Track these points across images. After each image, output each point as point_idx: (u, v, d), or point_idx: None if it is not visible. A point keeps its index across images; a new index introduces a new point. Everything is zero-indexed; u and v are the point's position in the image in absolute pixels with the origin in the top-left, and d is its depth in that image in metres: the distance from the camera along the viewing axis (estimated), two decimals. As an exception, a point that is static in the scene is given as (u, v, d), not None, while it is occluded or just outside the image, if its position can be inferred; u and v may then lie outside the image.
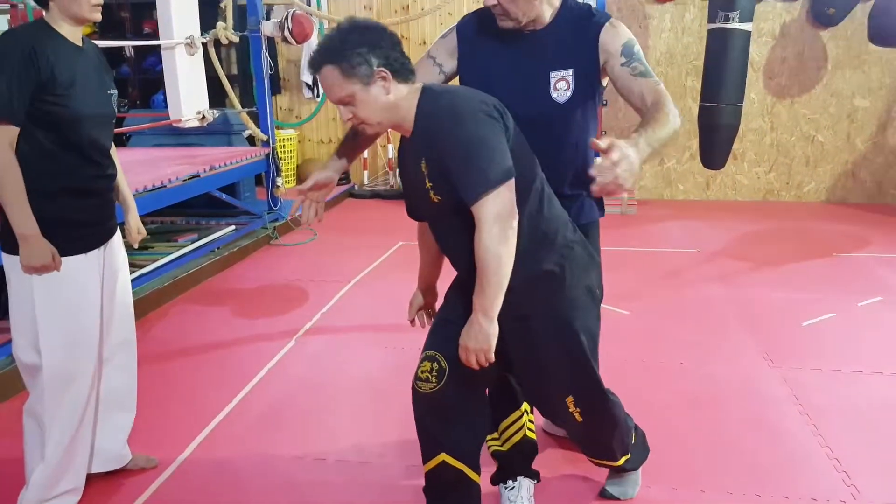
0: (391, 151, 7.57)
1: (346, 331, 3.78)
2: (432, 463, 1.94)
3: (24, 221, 1.95)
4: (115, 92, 2.21)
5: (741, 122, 6.10)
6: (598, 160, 1.67)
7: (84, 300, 2.11)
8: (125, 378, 2.38)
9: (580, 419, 1.97)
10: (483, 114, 1.68)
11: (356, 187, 7.61)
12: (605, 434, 2.07)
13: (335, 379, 3.21)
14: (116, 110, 2.25)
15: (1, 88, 1.89)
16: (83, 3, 2.00)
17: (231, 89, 5.63)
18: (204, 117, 5.12)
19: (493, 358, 1.74)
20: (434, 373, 1.87)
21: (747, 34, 5.88)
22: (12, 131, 1.93)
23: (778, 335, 3.62)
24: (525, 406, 2.23)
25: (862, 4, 6.42)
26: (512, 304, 1.73)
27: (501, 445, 2.24)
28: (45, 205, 2.00)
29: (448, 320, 1.93)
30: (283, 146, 7.17)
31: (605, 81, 2.09)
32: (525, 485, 2.20)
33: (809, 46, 6.82)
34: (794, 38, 6.83)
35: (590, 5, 2.15)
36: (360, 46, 1.68)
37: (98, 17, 2.08)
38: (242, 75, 6.95)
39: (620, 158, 1.56)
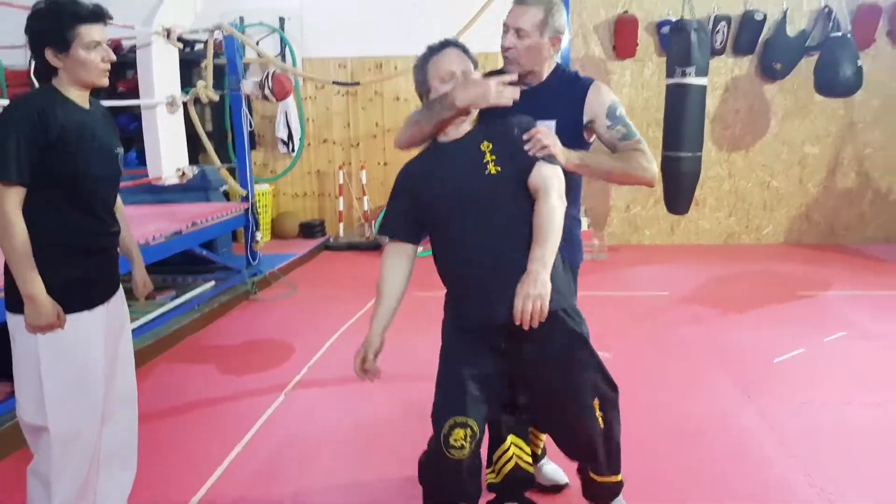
0: (366, 204, 7.71)
1: (335, 383, 3.83)
2: None
3: (29, 281, 1.98)
4: (121, 150, 2.26)
5: (701, 170, 6.41)
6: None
7: (89, 357, 2.13)
8: (127, 436, 2.39)
9: (602, 425, 2.09)
10: None
11: (331, 239, 7.71)
12: (616, 434, 2.18)
13: (328, 431, 3.25)
14: (121, 169, 2.31)
15: (9, 150, 1.95)
16: (92, 70, 2.08)
17: (210, 146, 5.72)
18: (184, 174, 5.19)
19: (546, 308, 1.82)
20: (468, 439, 1.95)
21: (703, 88, 6.22)
22: (20, 193, 1.98)
23: (752, 371, 3.80)
24: (512, 438, 2.35)
25: (806, 59, 6.85)
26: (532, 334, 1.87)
27: (496, 477, 2.37)
28: (51, 263, 2.03)
29: (466, 379, 1.99)
30: (259, 200, 7.25)
31: (591, 138, 2.30)
32: None
33: (759, 98, 7.23)
34: (745, 91, 7.23)
35: (577, 71, 2.39)
36: None
37: (106, 82, 2.15)
38: (217, 132, 7.05)
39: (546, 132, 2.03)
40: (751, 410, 3.31)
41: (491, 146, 2.02)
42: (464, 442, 1.95)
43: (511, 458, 2.34)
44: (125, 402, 2.37)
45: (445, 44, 2.09)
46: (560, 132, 2.18)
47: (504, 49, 2.23)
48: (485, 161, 2.00)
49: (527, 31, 2.18)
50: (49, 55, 2.04)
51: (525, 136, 2.02)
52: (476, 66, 2.08)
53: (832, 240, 7.34)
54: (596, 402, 2.08)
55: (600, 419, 2.10)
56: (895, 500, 2.54)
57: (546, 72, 2.28)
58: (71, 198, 2.07)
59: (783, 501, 2.56)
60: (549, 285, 1.84)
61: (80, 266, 2.12)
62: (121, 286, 2.34)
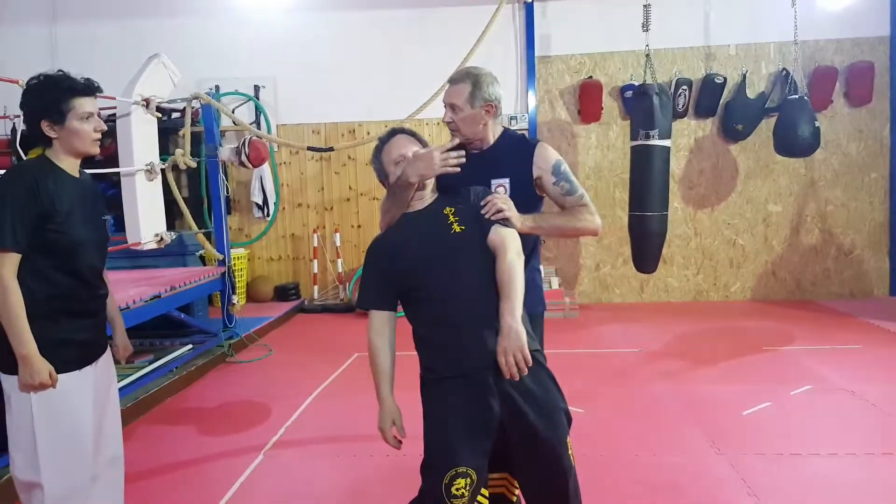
0: (340, 266, 7.79)
1: (313, 442, 3.85)
2: None
3: (24, 342, 2.07)
4: (109, 217, 2.39)
5: (668, 229, 6.61)
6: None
7: (80, 415, 2.20)
8: (114, 496, 2.43)
9: (573, 462, 2.15)
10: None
11: (306, 302, 7.75)
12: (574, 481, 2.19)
13: (308, 489, 3.26)
14: (109, 235, 2.41)
15: (6, 220, 2.06)
16: (85, 140, 2.21)
17: (187, 211, 5.80)
18: (162, 239, 5.25)
19: (528, 355, 1.95)
20: (468, 488, 2.04)
21: (667, 149, 6.47)
22: (15, 259, 2.09)
23: (721, 425, 3.88)
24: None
25: (766, 120, 7.17)
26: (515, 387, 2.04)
27: None
28: (43, 325, 2.13)
29: (457, 429, 2.07)
30: (235, 264, 7.30)
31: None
32: None
33: (722, 158, 7.52)
34: (708, 152, 7.53)
35: (524, 134, 2.58)
36: None
37: (97, 150, 2.29)
38: (193, 197, 7.14)
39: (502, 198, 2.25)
40: (722, 463, 3.38)
41: (453, 210, 2.21)
42: (465, 490, 2.04)
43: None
44: (113, 461, 2.41)
45: (393, 132, 2.34)
46: (515, 188, 2.43)
47: (446, 124, 2.46)
48: (449, 222, 2.19)
49: (459, 106, 2.40)
50: (45, 127, 2.16)
51: (482, 203, 2.21)
52: (425, 146, 2.29)
53: (798, 295, 7.54)
54: (569, 440, 2.16)
55: (572, 457, 2.17)
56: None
57: (492, 136, 2.49)
58: (62, 263, 2.17)
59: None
60: (523, 334, 1.98)
61: (71, 328, 2.21)
62: (109, 348, 2.41)
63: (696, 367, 5.03)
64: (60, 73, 2.20)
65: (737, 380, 4.69)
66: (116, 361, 2.51)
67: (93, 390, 2.28)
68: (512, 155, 2.48)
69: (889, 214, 7.40)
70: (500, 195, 2.28)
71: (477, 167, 2.38)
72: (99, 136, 2.26)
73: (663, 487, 3.14)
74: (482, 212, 2.19)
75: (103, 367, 2.37)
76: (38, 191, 2.11)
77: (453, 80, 2.45)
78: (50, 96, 2.15)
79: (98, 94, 2.26)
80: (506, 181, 2.44)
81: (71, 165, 2.25)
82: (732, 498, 3.03)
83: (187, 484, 3.39)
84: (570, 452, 2.15)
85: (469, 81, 2.40)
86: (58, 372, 2.14)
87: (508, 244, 2.14)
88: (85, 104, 2.18)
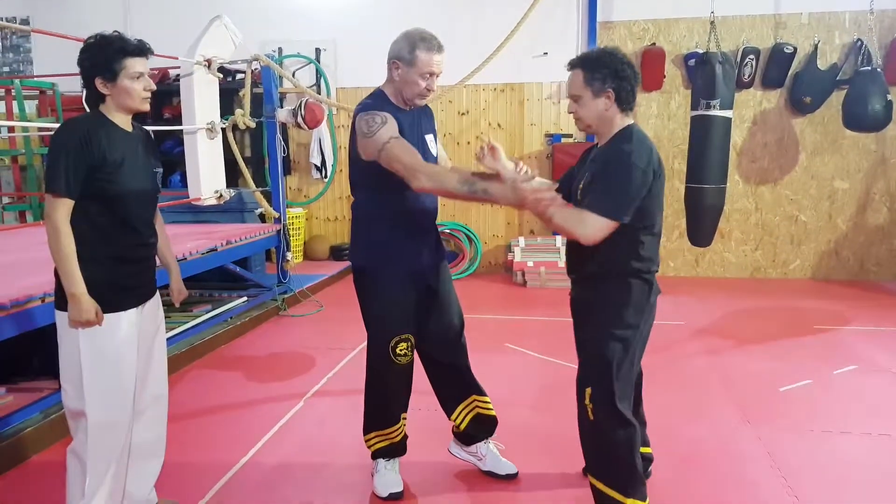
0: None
1: (352, 394, 4.01)
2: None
3: (73, 282, 2.24)
4: (160, 170, 2.54)
5: (726, 203, 6.47)
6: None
7: (123, 354, 2.37)
8: (157, 429, 2.63)
9: (592, 418, 2.35)
10: (640, 170, 2.28)
11: (361, 263, 7.94)
12: (612, 451, 2.36)
13: (342, 437, 3.44)
14: (160, 186, 2.57)
15: (60, 168, 2.22)
16: (135, 97, 2.35)
17: (246, 170, 6.02)
18: (221, 196, 5.50)
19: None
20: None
21: (728, 120, 6.31)
22: (68, 204, 2.25)
23: (756, 400, 3.86)
24: (475, 396, 2.95)
25: (837, 93, 6.90)
26: (582, 288, 2.49)
27: (459, 424, 2.95)
28: (92, 268, 2.29)
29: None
30: (293, 223, 7.57)
31: None
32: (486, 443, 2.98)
33: (788, 131, 7.28)
34: (774, 125, 7.30)
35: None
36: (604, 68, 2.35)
37: (147, 107, 2.43)
38: (255, 157, 7.39)
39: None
40: (751, 436, 3.39)
41: (588, 174, 2.46)
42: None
43: (473, 408, 2.94)
44: (157, 398, 2.61)
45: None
46: (435, 141, 2.84)
47: (430, 92, 2.66)
48: (580, 184, 2.50)
49: (440, 73, 2.66)
50: (98, 84, 2.31)
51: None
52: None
53: (862, 276, 7.30)
54: (588, 391, 2.38)
55: (589, 410, 2.37)
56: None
57: None
58: (112, 211, 2.33)
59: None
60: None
61: (118, 272, 2.37)
62: (157, 293, 2.58)
63: (741, 344, 4.97)
64: (115, 33, 2.34)
65: (780, 357, 4.63)
66: (170, 305, 2.69)
67: (138, 331, 2.44)
68: (423, 114, 2.84)
69: (964, 195, 7.06)
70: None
71: (416, 126, 2.75)
72: (149, 94, 2.39)
73: (691, 458, 3.18)
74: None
75: (151, 311, 2.53)
76: (91, 142, 2.25)
77: (442, 48, 2.66)
78: (103, 56, 2.29)
79: (150, 55, 2.40)
80: (433, 136, 2.84)
81: (123, 120, 2.39)
82: (755, 469, 3.05)
83: (230, 424, 3.62)
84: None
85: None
86: (104, 312, 2.31)
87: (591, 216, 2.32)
88: (136, 64, 2.31)
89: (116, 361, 2.35)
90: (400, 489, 2.83)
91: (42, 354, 3.77)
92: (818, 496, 2.81)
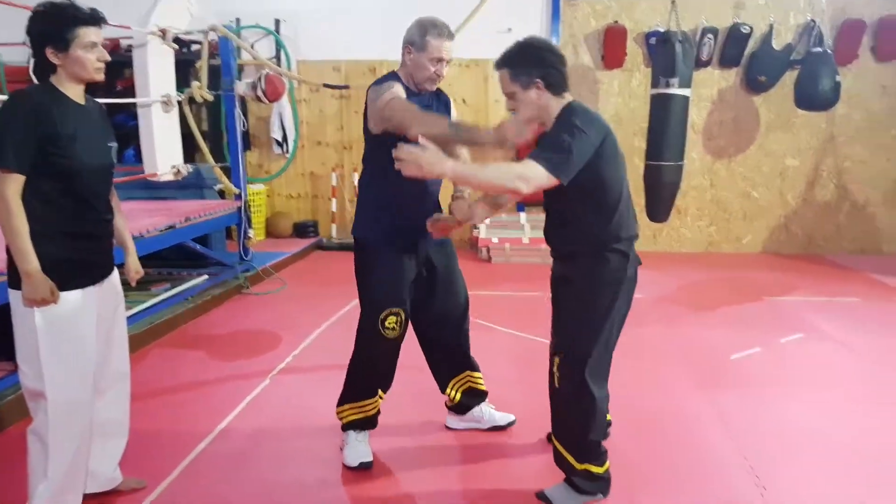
0: (356, 205, 7.89)
1: (318, 370, 4.04)
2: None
3: (26, 260, 2.18)
4: (115, 144, 2.46)
5: (683, 180, 6.61)
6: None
7: (81, 332, 2.33)
8: (120, 407, 2.61)
9: (557, 385, 2.46)
10: (581, 132, 2.28)
11: (324, 240, 7.91)
12: (570, 418, 2.49)
13: (309, 412, 3.45)
14: (115, 161, 2.50)
15: (7, 142, 2.14)
16: (88, 67, 2.27)
17: (204, 145, 5.92)
18: (178, 171, 5.39)
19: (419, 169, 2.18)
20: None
21: (686, 99, 6.42)
22: (19, 179, 2.17)
23: (709, 367, 4.01)
24: (468, 372, 3.09)
25: (790, 72, 7.06)
26: (562, 264, 2.52)
27: (453, 397, 3.09)
28: (46, 245, 2.22)
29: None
30: (253, 200, 7.46)
31: None
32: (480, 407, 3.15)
33: (744, 110, 7.44)
34: (730, 103, 7.44)
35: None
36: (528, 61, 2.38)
37: (101, 77, 2.34)
38: (213, 132, 7.26)
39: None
40: (703, 400, 3.52)
41: None
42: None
43: (466, 381, 3.10)
44: (119, 376, 2.58)
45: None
46: None
47: (439, 78, 2.75)
48: None
49: (449, 60, 2.75)
50: (49, 54, 2.22)
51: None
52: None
53: (810, 250, 7.55)
54: (557, 361, 2.48)
55: (556, 378, 2.49)
56: (823, 488, 2.73)
57: None
58: (65, 187, 2.25)
59: (720, 488, 2.74)
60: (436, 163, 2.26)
61: (73, 248, 2.30)
62: (115, 271, 2.53)
63: (695, 314, 5.13)
64: (67, 1, 2.26)
65: (731, 326, 4.80)
66: (127, 283, 2.65)
67: (95, 310, 2.39)
68: (439, 99, 2.90)
69: (907, 172, 7.32)
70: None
71: (425, 109, 2.72)
72: (103, 65, 2.31)
73: (647, 423, 3.29)
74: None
75: (109, 289, 2.48)
76: (41, 115, 2.17)
77: (452, 35, 2.75)
78: (55, 24, 2.21)
79: (104, 24, 2.32)
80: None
81: (75, 92, 2.30)
82: (708, 433, 3.17)
83: (196, 402, 3.61)
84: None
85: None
86: (60, 290, 2.24)
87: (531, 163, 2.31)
88: (89, 33, 2.23)
89: (74, 340, 2.31)
90: (370, 459, 2.90)
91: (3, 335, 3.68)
92: (767, 456, 2.95)
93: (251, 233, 6.03)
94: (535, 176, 2.20)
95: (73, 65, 2.24)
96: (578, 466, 2.52)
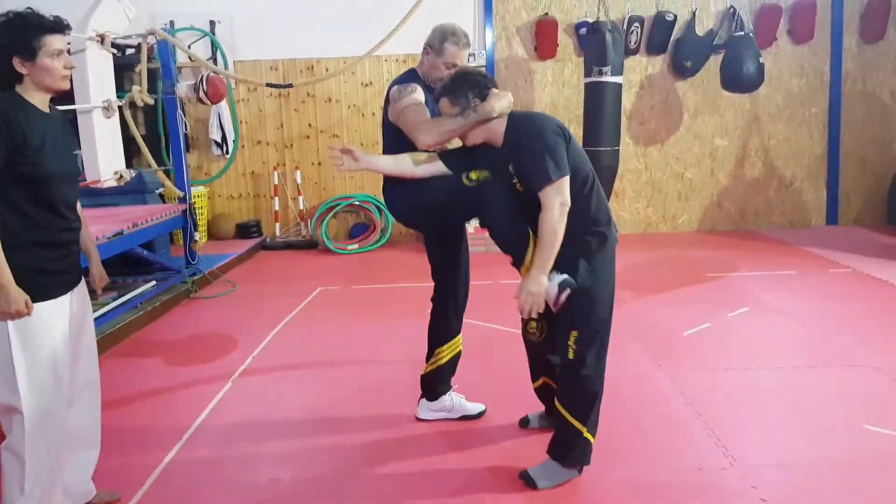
0: (302, 203, 7.87)
1: (279, 370, 4.04)
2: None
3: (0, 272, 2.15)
4: (79, 152, 2.45)
5: (619, 164, 6.83)
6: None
7: (55, 343, 2.30)
8: (90, 417, 2.57)
9: (573, 357, 2.59)
10: (552, 132, 2.45)
11: (268, 239, 7.85)
12: (587, 387, 2.64)
13: (277, 411, 3.46)
14: (80, 169, 2.49)
15: None
16: (55, 74, 2.25)
17: (146, 149, 5.80)
18: (121, 177, 5.28)
19: (542, 306, 2.43)
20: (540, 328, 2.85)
21: (619, 86, 6.65)
22: None
23: (663, 343, 4.19)
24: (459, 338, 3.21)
25: (714, 56, 7.37)
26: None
27: (435, 364, 3.19)
28: (19, 256, 2.19)
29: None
30: (195, 202, 7.32)
31: None
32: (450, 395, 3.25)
33: (672, 94, 7.73)
34: (659, 88, 7.72)
35: None
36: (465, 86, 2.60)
37: (67, 86, 2.33)
38: (151, 135, 7.10)
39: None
40: (662, 376, 3.68)
41: (514, 169, 2.54)
42: (535, 329, 2.87)
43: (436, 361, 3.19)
44: (89, 384, 2.54)
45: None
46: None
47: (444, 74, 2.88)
48: (514, 181, 2.56)
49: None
50: (16, 63, 2.19)
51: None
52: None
53: (742, 226, 7.91)
54: (574, 335, 2.61)
55: (570, 351, 2.62)
56: (787, 452, 2.91)
57: None
58: (34, 196, 2.23)
59: (689, 455, 2.90)
60: (543, 286, 2.43)
61: (45, 258, 2.28)
62: (83, 279, 2.51)
63: (643, 294, 5.32)
64: (29, 10, 2.23)
65: (680, 304, 5.01)
66: (93, 291, 2.62)
67: (68, 318, 2.37)
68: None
69: (827, 147, 7.74)
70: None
71: (433, 104, 2.87)
72: (69, 72, 2.30)
73: (610, 401, 3.36)
74: None
75: (78, 297, 2.45)
76: (9, 124, 2.14)
77: (468, 44, 2.95)
78: (21, 33, 2.19)
79: (69, 31, 2.30)
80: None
81: (41, 101, 2.29)
82: (670, 406, 3.33)
83: (160, 409, 3.56)
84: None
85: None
86: (33, 301, 2.21)
87: (548, 198, 2.42)
88: (55, 41, 2.21)
89: (49, 351, 2.28)
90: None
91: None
92: (728, 426, 3.11)
93: (197, 236, 5.94)
94: (563, 197, 2.41)
95: (40, 73, 2.22)
96: (586, 434, 2.64)
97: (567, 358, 2.62)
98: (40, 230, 2.27)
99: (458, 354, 3.23)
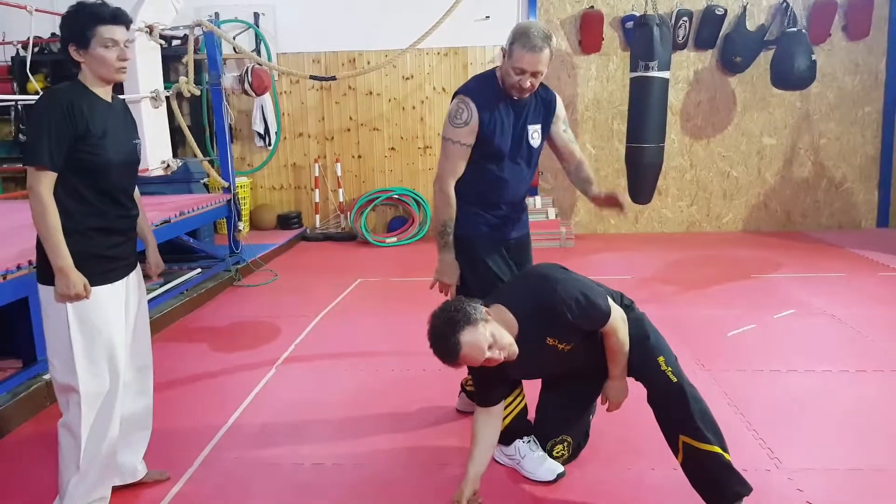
0: (342, 196, 7.92)
1: (322, 358, 4.08)
2: None
3: (60, 255, 2.21)
4: (139, 141, 2.50)
5: (664, 161, 6.73)
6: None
7: (111, 326, 2.37)
8: (144, 400, 2.65)
9: (675, 379, 2.39)
10: (563, 280, 2.37)
11: (308, 231, 7.92)
12: (700, 403, 2.38)
13: (318, 398, 3.50)
14: (139, 158, 2.54)
15: (42, 140, 2.18)
16: (109, 66, 2.30)
17: (192, 139, 5.89)
18: (168, 166, 5.38)
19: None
20: (567, 449, 2.72)
21: (666, 81, 6.54)
22: (51, 177, 2.22)
23: (707, 345, 4.11)
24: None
25: (765, 52, 7.21)
26: None
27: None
28: (78, 241, 2.27)
29: (551, 407, 2.75)
30: (238, 193, 7.43)
31: None
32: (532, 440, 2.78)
33: (720, 91, 7.58)
34: (707, 84, 7.58)
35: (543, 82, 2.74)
36: None
37: (122, 77, 2.39)
38: (195, 126, 7.20)
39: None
40: (705, 377, 3.62)
41: (555, 340, 2.39)
42: (564, 451, 2.75)
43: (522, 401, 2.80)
44: (143, 368, 2.62)
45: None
46: (542, 133, 2.79)
47: (524, 90, 2.59)
48: (558, 348, 2.41)
49: (542, 71, 2.57)
50: (72, 51, 2.27)
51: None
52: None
53: (789, 227, 7.73)
54: (661, 359, 2.52)
55: (669, 374, 2.47)
56: (831, 454, 2.84)
57: None
58: (94, 183, 2.30)
59: (732, 456, 2.83)
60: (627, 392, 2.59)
61: (103, 244, 2.35)
62: (139, 265, 2.57)
63: (685, 293, 5.24)
64: (94, 0, 2.29)
65: (723, 304, 4.91)
66: (148, 278, 2.68)
67: (124, 303, 2.44)
68: (541, 103, 2.76)
69: (881, 147, 7.52)
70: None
71: (517, 114, 2.70)
72: (124, 64, 2.34)
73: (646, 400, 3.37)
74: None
75: (134, 282, 2.52)
76: (73, 113, 2.21)
77: (540, 48, 2.50)
78: (78, 22, 2.25)
79: (129, 24, 2.35)
80: (539, 127, 2.77)
81: (102, 91, 2.34)
82: (714, 408, 3.18)
83: (207, 393, 3.63)
84: None
85: (549, 44, 2.54)
86: (92, 285, 2.29)
87: (612, 324, 2.38)
88: (109, 32, 2.26)
89: (105, 333, 2.34)
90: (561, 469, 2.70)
91: (1, 334, 3.67)
92: (773, 429, 3.05)
93: (241, 225, 6.02)
94: (618, 312, 2.44)
95: (94, 62, 2.28)
96: (727, 456, 2.34)
97: (671, 383, 2.39)
98: (99, 217, 2.34)
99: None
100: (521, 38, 2.51)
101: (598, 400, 2.72)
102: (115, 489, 2.56)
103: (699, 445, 2.32)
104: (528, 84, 2.56)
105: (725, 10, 7.26)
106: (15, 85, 7.07)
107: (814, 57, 6.61)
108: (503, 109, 2.66)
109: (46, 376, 3.39)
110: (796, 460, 2.78)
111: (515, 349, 2.28)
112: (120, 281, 2.42)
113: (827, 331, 4.34)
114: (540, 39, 2.49)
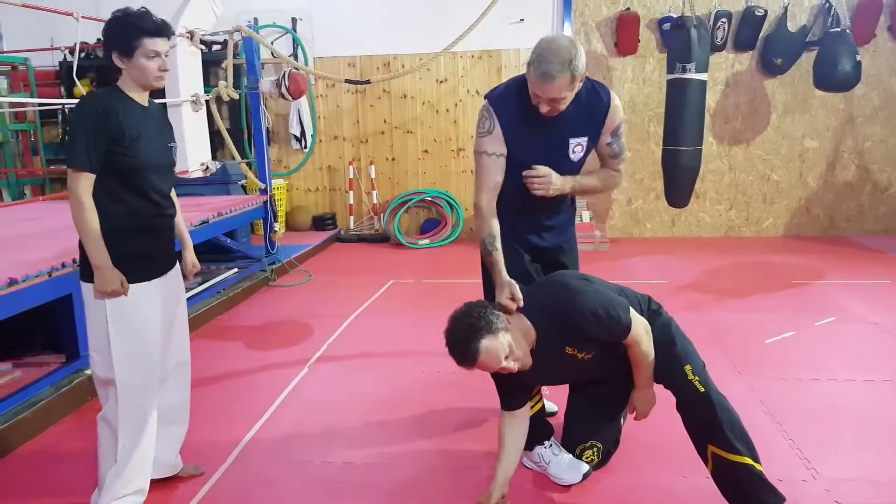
0: (375, 198, 7.97)
1: (353, 358, 4.11)
2: None
3: (98, 253, 2.29)
4: (175, 144, 2.57)
5: (701, 164, 6.63)
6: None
7: (148, 322, 2.43)
8: (181, 395, 2.71)
9: (703, 389, 2.35)
10: (585, 292, 2.34)
11: (342, 232, 7.99)
12: (730, 412, 2.33)
13: (349, 398, 3.54)
14: (174, 160, 2.60)
15: (80, 143, 2.26)
16: (149, 75, 2.38)
17: (231, 142, 5.99)
18: (207, 168, 5.48)
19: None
20: (597, 455, 2.70)
21: (703, 83, 6.44)
22: (90, 178, 2.30)
23: (744, 351, 4.04)
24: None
25: (806, 54, 7.07)
26: None
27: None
28: (115, 240, 2.34)
29: (580, 411, 2.75)
30: (274, 194, 7.54)
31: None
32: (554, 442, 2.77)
33: (760, 93, 7.44)
34: (746, 86, 7.45)
35: (594, 83, 2.53)
36: None
37: (161, 84, 2.48)
38: (235, 129, 7.33)
39: (546, 173, 2.44)
40: (742, 384, 3.56)
41: (574, 349, 2.36)
42: (593, 457, 2.73)
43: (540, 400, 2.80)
44: (180, 364, 2.69)
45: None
46: (588, 146, 2.57)
47: (545, 114, 2.39)
48: (578, 357, 2.37)
49: (560, 98, 2.33)
50: (115, 58, 2.35)
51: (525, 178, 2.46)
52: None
53: (832, 232, 7.55)
54: (688, 368, 2.49)
55: (696, 383, 2.44)
56: (870, 466, 2.77)
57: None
58: (131, 184, 2.37)
59: (769, 466, 2.77)
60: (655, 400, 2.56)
61: (140, 243, 2.42)
62: (177, 263, 2.64)
63: (723, 299, 5.16)
64: (142, 10, 2.36)
65: (762, 310, 4.82)
66: (184, 277, 2.74)
67: (161, 300, 2.50)
68: (588, 113, 2.50)
69: (928, 151, 7.32)
70: (541, 171, 2.45)
71: (554, 127, 2.46)
72: (163, 74, 2.42)
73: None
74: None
75: (172, 281, 2.58)
76: (108, 116, 2.28)
77: (552, 76, 2.26)
78: (123, 32, 2.33)
79: (171, 35, 2.42)
80: (584, 140, 2.53)
81: (139, 96, 2.42)
82: (750, 416, 3.19)
83: (240, 391, 3.69)
84: None
85: (567, 70, 2.26)
86: (129, 283, 2.36)
87: (635, 335, 2.36)
88: (153, 44, 2.33)
89: (143, 330, 2.41)
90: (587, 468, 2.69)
91: (46, 329, 3.78)
92: (811, 438, 2.98)
93: (277, 226, 6.10)
94: (642, 325, 2.41)
95: (135, 70, 2.36)
96: (759, 467, 2.30)
97: (698, 392, 2.34)
98: (135, 217, 2.41)
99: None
100: (535, 62, 2.29)
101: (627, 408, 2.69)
102: (153, 482, 2.62)
103: (728, 456, 2.27)
104: (546, 109, 2.36)
105: (766, 11, 7.14)
106: (62, 89, 7.28)
107: (858, 58, 6.45)
108: (529, 118, 2.44)
109: (88, 371, 3.47)
110: (834, 471, 2.71)
111: (529, 360, 2.29)
112: (157, 279, 2.48)
113: (869, 339, 4.23)
114: (556, 65, 2.24)
